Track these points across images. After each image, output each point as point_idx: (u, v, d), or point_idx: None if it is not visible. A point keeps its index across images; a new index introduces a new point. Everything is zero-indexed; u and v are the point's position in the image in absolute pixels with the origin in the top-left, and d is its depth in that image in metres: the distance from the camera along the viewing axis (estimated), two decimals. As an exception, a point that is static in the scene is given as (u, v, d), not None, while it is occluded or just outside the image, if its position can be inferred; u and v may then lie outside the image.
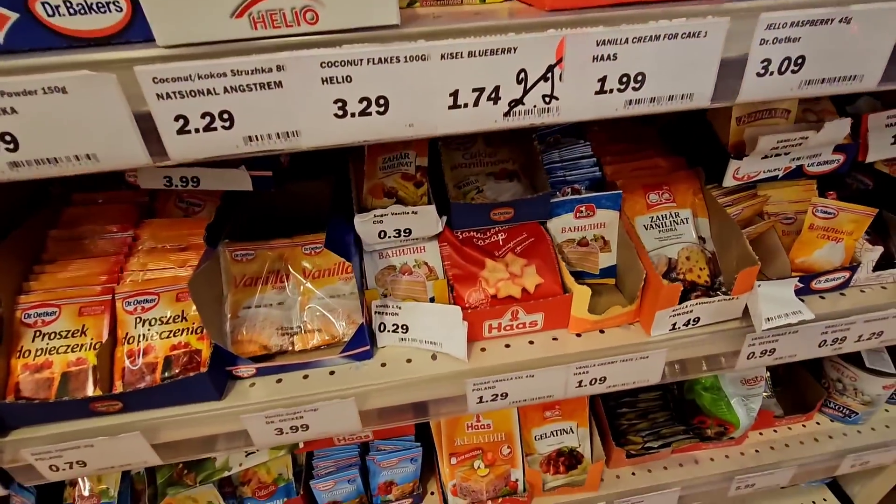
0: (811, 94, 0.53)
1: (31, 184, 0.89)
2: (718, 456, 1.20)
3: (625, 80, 0.49)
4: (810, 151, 0.81)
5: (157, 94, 0.43)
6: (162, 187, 0.74)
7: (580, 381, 0.81)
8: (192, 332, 0.73)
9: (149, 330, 0.73)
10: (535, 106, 0.50)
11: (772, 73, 0.51)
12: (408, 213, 0.74)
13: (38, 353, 0.71)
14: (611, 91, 0.50)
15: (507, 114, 0.50)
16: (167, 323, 0.73)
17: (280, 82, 0.45)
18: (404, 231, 0.77)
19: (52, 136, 0.44)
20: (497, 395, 0.79)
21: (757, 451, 1.21)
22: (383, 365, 0.78)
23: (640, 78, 0.49)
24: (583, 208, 0.84)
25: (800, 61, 0.51)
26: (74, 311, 0.73)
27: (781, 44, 0.50)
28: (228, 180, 0.75)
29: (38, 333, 0.72)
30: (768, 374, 1.25)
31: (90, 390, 0.70)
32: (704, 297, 0.77)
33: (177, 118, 0.44)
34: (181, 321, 0.74)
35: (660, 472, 1.17)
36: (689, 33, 0.48)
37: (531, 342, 0.80)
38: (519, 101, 0.49)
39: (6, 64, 0.41)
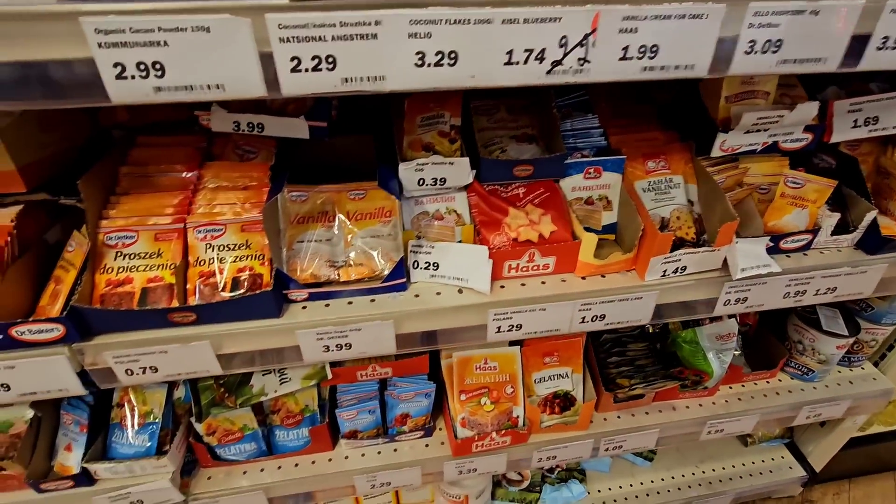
0: (786, 72, 0.67)
1: (91, 125, 0.99)
2: (693, 404, 1.36)
3: (642, 49, 0.62)
4: (784, 129, 0.95)
5: (280, 38, 0.54)
6: (230, 130, 0.85)
7: (583, 318, 0.94)
8: (255, 259, 0.84)
9: (217, 255, 0.84)
10: (571, 67, 0.62)
11: (756, 52, 0.65)
12: (445, 163, 0.86)
13: (120, 270, 0.81)
14: (631, 58, 0.63)
15: (549, 72, 0.62)
16: (233, 250, 0.84)
17: (375, 34, 0.56)
18: (440, 180, 0.89)
19: (193, 67, 0.55)
20: (513, 326, 0.93)
21: (726, 401, 1.37)
22: (416, 296, 0.90)
23: (654, 49, 0.62)
24: (591, 170, 0.97)
25: (778, 43, 0.65)
26: (151, 236, 0.84)
27: (765, 28, 0.63)
28: (289, 128, 0.86)
29: (119, 254, 0.82)
30: (739, 336, 1.41)
31: (166, 303, 0.81)
32: (691, 249, 0.91)
33: (292, 59, 0.56)
34: (245, 248, 0.85)
35: (642, 416, 1.32)
36: (694, 15, 0.61)
37: (543, 282, 0.94)
38: (559, 62, 0.61)
39: (164, 5, 0.52)
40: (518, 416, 1.22)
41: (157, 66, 0.54)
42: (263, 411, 1.17)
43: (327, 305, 0.88)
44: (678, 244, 0.97)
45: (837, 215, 0.98)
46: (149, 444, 1.05)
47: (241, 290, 0.82)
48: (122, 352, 0.80)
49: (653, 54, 0.63)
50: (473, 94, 1.02)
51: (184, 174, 0.91)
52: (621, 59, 0.63)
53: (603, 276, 0.95)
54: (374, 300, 0.89)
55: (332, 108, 0.91)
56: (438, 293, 0.91)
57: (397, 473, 1.20)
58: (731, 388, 1.41)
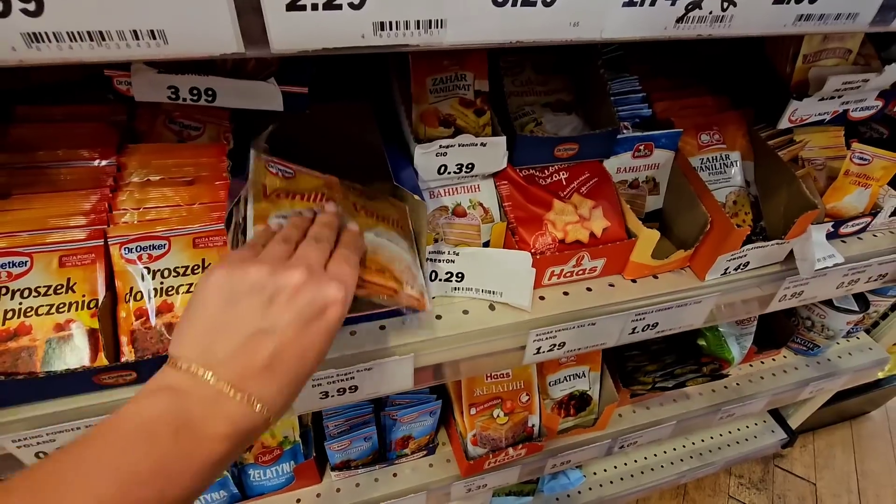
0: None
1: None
2: (706, 390, 1.28)
3: (805, -11, 0.43)
4: (860, 95, 0.80)
5: (268, -56, 0.30)
6: (165, 100, 0.57)
7: (634, 328, 0.79)
8: (219, 285, 0.59)
9: (161, 284, 0.58)
10: (710, 12, 0.41)
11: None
12: (476, 144, 0.64)
13: (10, 315, 0.54)
14: (787, 2, 0.43)
15: (680, 19, 0.41)
16: (185, 275, 0.59)
17: (434, -53, 0.32)
18: (466, 166, 0.67)
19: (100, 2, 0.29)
20: (555, 346, 0.75)
21: (738, 384, 1.31)
22: (438, 317, 0.70)
23: (819, -12, 0.43)
24: (642, 147, 0.78)
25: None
26: (52, 261, 0.56)
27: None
28: (253, 96, 0.60)
29: (4, 291, 0.55)
30: (749, 314, 1.34)
31: (87, 360, 0.56)
32: (760, 242, 0.76)
33: (290, -14, 0.31)
34: (202, 272, 0.60)
35: (657, 409, 1.23)
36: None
37: (589, 289, 0.76)
38: (697, 5, 0.41)
39: None
40: (534, 426, 1.08)
41: (26, -6, 0.28)
42: (232, 450, 0.94)
43: (323, 339, 0.65)
44: (737, 235, 0.82)
45: (902, 195, 0.87)
46: None
47: (203, 333, 0.58)
48: (26, 433, 0.55)
49: (815, -2, 0.43)
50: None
51: (95, 163, 0.62)
52: (776, 1, 0.43)
53: (655, 277, 0.79)
54: (384, 327, 0.68)
55: (311, 65, 0.64)
56: (466, 312, 0.71)
57: (399, 503, 1.04)
58: (740, 368, 1.34)
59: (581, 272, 0.75)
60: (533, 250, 0.70)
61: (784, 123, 0.80)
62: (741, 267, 0.80)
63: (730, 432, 1.78)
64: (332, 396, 0.67)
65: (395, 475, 1.05)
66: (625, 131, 0.81)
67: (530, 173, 0.73)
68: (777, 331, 1.37)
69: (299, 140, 0.72)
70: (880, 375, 1.89)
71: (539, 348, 0.74)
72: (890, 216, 0.91)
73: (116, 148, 0.64)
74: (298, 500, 1.00)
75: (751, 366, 1.35)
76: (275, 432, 0.95)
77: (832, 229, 0.86)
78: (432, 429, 1.04)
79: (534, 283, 0.72)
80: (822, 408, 1.83)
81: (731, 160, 0.84)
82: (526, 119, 0.75)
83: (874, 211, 0.88)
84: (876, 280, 0.93)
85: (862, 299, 1.27)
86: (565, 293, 0.75)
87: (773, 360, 1.37)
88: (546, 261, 0.70)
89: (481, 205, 0.72)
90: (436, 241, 0.71)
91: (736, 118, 0.85)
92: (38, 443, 0.56)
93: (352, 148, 0.67)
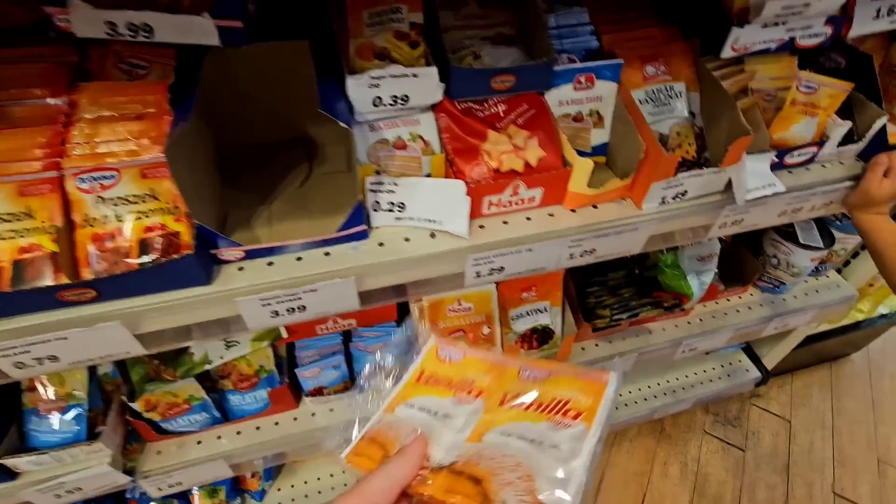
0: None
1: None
2: (669, 326, 1.33)
3: None
4: (805, 22, 0.80)
5: None
6: (104, 36, 0.60)
7: (571, 254, 0.83)
8: (167, 213, 0.65)
9: (114, 211, 0.63)
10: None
11: None
12: (407, 75, 0.66)
13: (-25, 239, 0.60)
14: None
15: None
16: (134, 203, 0.64)
17: None
18: (401, 98, 0.69)
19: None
20: (494, 270, 0.80)
21: (700, 319, 1.36)
22: (381, 245, 0.74)
23: None
24: (582, 79, 0.80)
25: None
26: (13, 190, 0.61)
27: None
28: (188, 30, 0.63)
29: (-30, 217, 0.60)
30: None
31: (50, 279, 0.62)
32: (695, 170, 0.79)
33: None
34: (152, 200, 0.64)
35: (619, 342, 1.29)
36: None
37: (528, 218, 0.80)
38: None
39: None
40: (496, 357, 1.14)
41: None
42: (211, 377, 1.03)
43: (271, 264, 0.71)
44: (680, 165, 0.84)
45: (848, 124, 0.88)
46: (76, 428, 0.90)
47: (154, 255, 0.63)
48: (3, 344, 0.62)
49: None
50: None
51: (48, 100, 0.66)
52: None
53: (595, 207, 0.82)
54: (328, 253, 0.73)
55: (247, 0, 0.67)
56: (407, 239, 0.75)
57: (371, 425, 1.12)
58: (704, 305, 1.39)
59: (520, 202, 0.78)
60: (469, 180, 0.74)
61: (727, 52, 0.81)
62: (679, 196, 0.82)
63: (704, 371, 1.85)
64: (282, 315, 0.73)
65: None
66: (572, 64, 0.82)
67: (468, 106, 0.76)
68: (743, 268, 1.40)
69: (238, 77, 0.76)
70: (860, 317, 1.93)
71: (478, 272, 0.79)
72: (839, 146, 0.92)
73: (67, 87, 0.67)
74: (277, 423, 1.09)
75: (716, 303, 1.39)
76: (251, 361, 1.03)
77: (776, 159, 0.88)
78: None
79: (472, 213, 0.76)
80: (800, 349, 1.87)
81: (676, 91, 0.85)
82: (464, 52, 0.77)
83: (821, 140, 0.89)
84: (820, 209, 0.96)
85: (828, 236, 1.29)
86: (505, 222, 0.79)
87: (740, 297, 1.41)
88: (482, 189, 0.74)
89: (421, 137, 0.76)
90: (377, 172, 0.75)
91: (683, 49, 0.86)
92: (14, 353, 0.63)
93: (289, 85, 0.70)
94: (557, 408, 0.47)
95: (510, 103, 0.77)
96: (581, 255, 0.84)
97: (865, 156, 0.94)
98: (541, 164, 0.75)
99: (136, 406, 0.92)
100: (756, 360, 1.87)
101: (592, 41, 0.84)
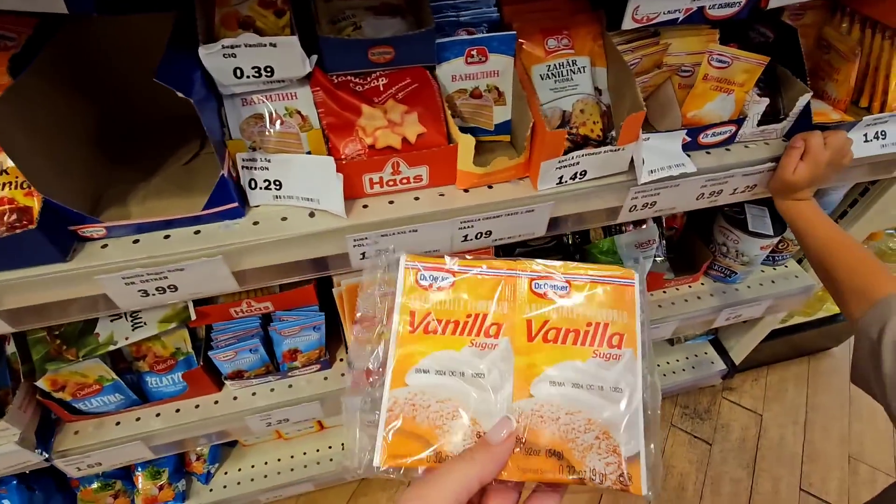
0: None
1: None
2: (612, 315, 1.29)
3: None
4: (712, -11, 0.75)
5: None
6: (-58, 4, 0.59)
7: (465, 236, 0.80)
8: (15, 187, 0.63)
9: (-32, 180, 0.62)
10: None
11: None
12: (265, 45, 0.64)
13: None
14: None
15: None
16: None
17: None
18: (265, 70, 0.67)
19: None
20: (380, 251, 0.77)
21: (646, 309, 1.31)
22: (256, 223, 0.72)
23: None
24: (474, 52, 0.76)
25: None
26: None
27: None
28: (32, -1, 0.61)
29: None
30: (664, 241, 1.32)
31: None
32: (590, 149, 0.75)
33: None
34: (2, 175, 0.63)
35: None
36: None
37: (416, 198, 0.77)
38: None
39: None
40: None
41: None
42: (126, 358, 1.02)
43: (136, 242, 0.69)
44: (581, 143, 0.81)
45: (766, 100, 0.83)
46: (-19, 406, 0.90)
47: (1, 230, 0.62)
48: None
49: None
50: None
51: None
52: None
53: (490, 187, 0.79)
54: (199, 231, 0.71)
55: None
56: (285, 218, 0.73)
57: (294, 410, 1.11)
58: (651, 294, 1.34)
59: (405, 181, 0.76)
60: (343, 156, 0.71)
61: (629, 23, 0.76)
62: (578, 176, 0.79)
63: (668, 363, 1.80)
64: (153, 295, 0.71)
65: (290, 386, 1.12)
66: (460, 37, 0.78)
67: (346, 79, 0.73)
68: (695, 257, 1.35)
69: (119, 54, 0.74)
70: (835, 310, 1.85)
71: (363, 254, 0.77)
72: (762, 125, 0.86)
73: (-74, 59, 0.66)
74: (197, 406, 1.08)
75: (664, 292, 1.35)
76: (167, 343, 1.03)
77: (689, 138, 0.83)
78: (320, 343, 1.10)
79: (354, 191, 0.74)
80: (774, 341, 1.82)
81: (579, 66, 0.81)
82: (345, 23, 0.74)
83: (739, 119, 0.84)
84: (743, 192, 0.91)
85: (778, 222, 1.23)
86: (391, 202, 0.76)
87: (689, 287, 1.36)
88: (357, 166, 0.71)
89: (299, 112, 0.73)
90: (252, 149, 0.73)
91: (589, 21, 0.81)
92: None
93: (149, 58, 0.68)
94: (598, 335, 0.43)
95: (392, 77, 0.74)
96: (476, 237, 0.81)
97: (792, 135, 0.88)
98: (420, 140, 0.72)
99: (43, 385, 0.92)
100: (723, 352, 1.82)
101: (493, 13, 0.80)
